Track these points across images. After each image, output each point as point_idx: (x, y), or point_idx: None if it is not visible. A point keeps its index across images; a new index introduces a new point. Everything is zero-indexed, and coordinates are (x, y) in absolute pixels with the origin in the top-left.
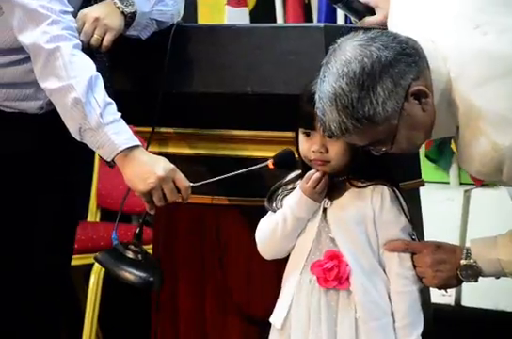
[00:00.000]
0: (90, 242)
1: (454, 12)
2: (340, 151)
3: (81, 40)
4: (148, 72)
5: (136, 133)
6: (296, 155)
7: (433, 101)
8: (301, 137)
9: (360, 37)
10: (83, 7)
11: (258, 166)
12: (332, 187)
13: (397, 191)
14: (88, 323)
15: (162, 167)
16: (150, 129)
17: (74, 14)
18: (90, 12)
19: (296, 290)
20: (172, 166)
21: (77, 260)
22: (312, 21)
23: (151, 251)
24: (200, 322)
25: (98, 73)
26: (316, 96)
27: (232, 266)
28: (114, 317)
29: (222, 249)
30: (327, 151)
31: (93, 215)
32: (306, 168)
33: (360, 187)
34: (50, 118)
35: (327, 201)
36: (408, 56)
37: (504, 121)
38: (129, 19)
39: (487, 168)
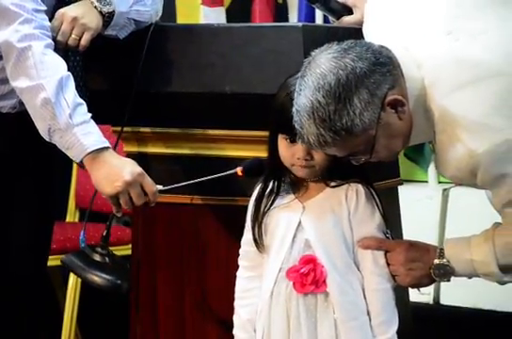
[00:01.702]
0: (69, 242)
1: (426, 19)
2: (325, 156)
3: (59, 40)
4: (126, 72)
5: (112, 132)
6: (267, 157)
7: (409, 108)
8: (282, 142)
9: (333, 49)
10: (57, 5)
11: (227, 172)
12: (306, 189)
13: (372, 189)
14: (67, 323)
15: (129, 171)
16: (129, 129)
17: (48, 13)
18: (68, 12)
19: (274, 297)
20: (140, 170)
21: (56, 260)
22: (287, 20)
23: (130, 252)
24: (180, 322)
25: (69, 73)
26: (293, 109)
27: (211, 267)
28: (93, 318)
29: (201, 249)
30: (312, 157)
31: (72, 215)
32: (277, 175)
33: (334, 187)
34: (23, 118)
35: (301, 205)
36: (382, 66)
37: (478, 127)
38: (107, 18)
39: (462, 172)
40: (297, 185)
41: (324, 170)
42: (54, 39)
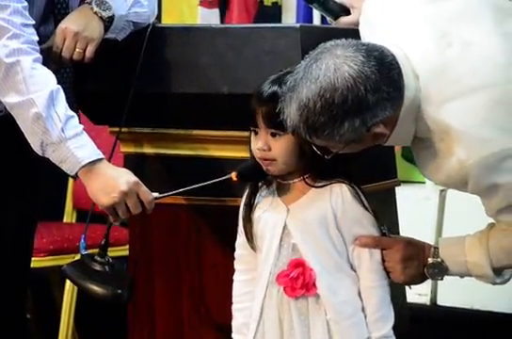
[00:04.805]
0: (66, 243)
1: (422, 19)
2: (282, 149)
3: (64, 56)
4: (123, 73)
5: (110, 133)
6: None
7: (399, 115)
8: (252, 135)
9: (359, 59)
10: (44, 19)
11: (221, 178)
12: (289, 191)
13: (356, 187)
14: (64, 324)
15: (125, 181)
16: (126, 130)
17: (36, 24)
18: (70, 26)
19: (267, 300)
20: (135, 179)
21: (53, 261)
22: (279, 22)
23: (127, 253)
24: (177, 322)
25: (59, 87)
26: (288, 85)
27: (208, 267)
28: (90, 318)
29: (198, 249)
30: (269, 149)
31: (69, 216)
32: (257, 175)
33: (317, 187)
34: (9, 120)
35: (285, 207)
36: (389, 101)
37: (468, 138)
38: (107, 23)
39: (452, 180)
40: (279, 187)
41: (291, 166)
42: (59, 55)
